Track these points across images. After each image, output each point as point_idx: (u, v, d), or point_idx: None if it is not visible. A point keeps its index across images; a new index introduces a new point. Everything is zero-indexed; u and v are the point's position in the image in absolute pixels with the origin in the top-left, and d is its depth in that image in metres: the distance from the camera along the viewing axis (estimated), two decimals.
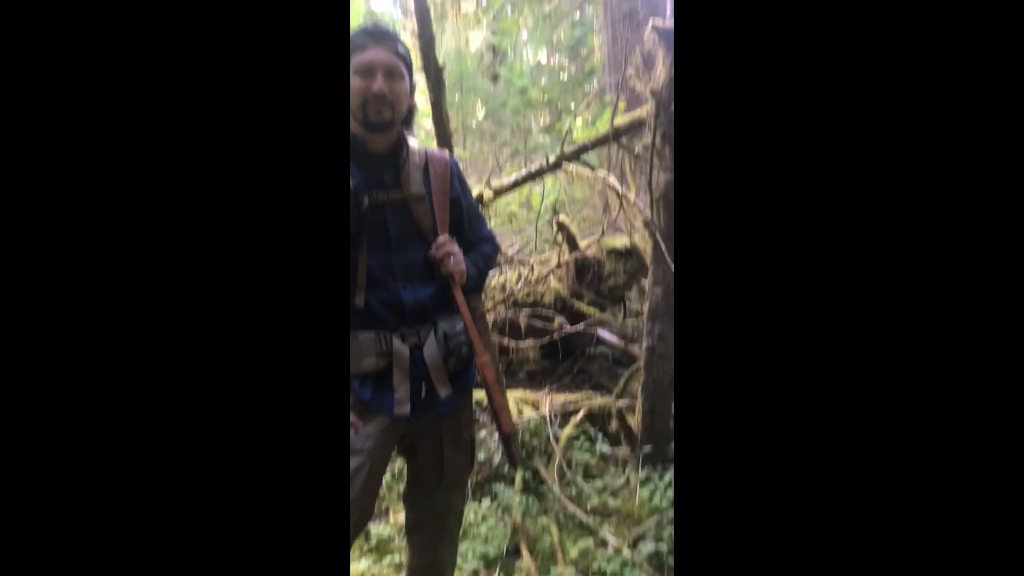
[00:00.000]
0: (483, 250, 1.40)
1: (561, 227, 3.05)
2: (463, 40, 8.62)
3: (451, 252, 1.23)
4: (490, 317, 2.98)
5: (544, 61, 8.97)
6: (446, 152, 1.33)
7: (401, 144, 1.25)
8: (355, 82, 1.16)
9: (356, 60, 1.16)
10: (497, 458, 2.50)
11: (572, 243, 3.07)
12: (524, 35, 8.45)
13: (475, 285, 1.36)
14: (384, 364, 1.19)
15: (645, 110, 2.54)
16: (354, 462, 1.15)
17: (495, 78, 8.50)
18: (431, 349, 1.22)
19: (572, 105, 7.62)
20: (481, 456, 2.42)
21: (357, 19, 6.22)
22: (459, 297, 1.25)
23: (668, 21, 2.33)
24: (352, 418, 1.17)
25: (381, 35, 1.18)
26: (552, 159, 2.78)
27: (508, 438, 1.26)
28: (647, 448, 2.37)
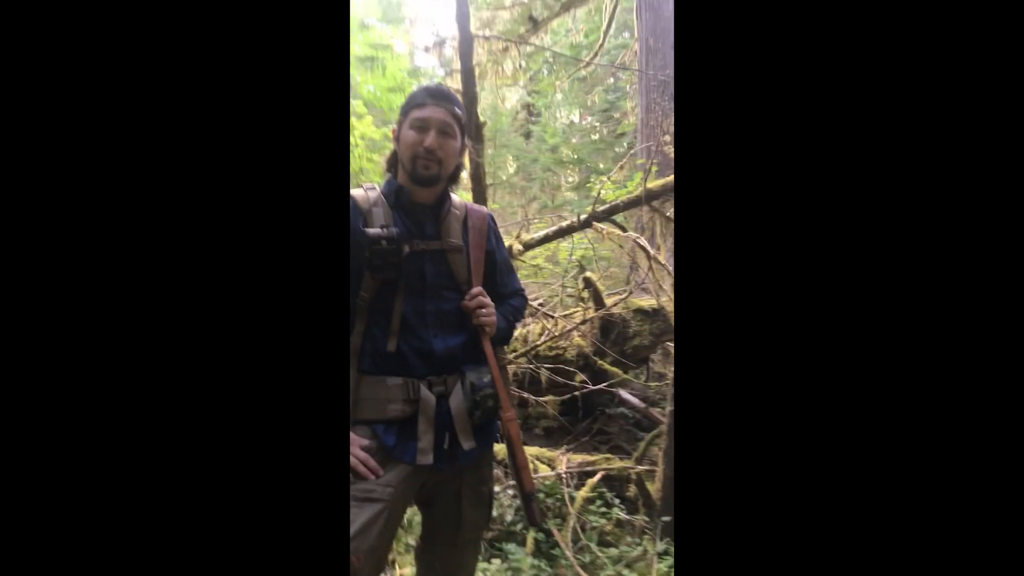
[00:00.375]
0: (513, 303, 1.42)
1: (588, 283, 3.06)
2: (500, 98, 8.98)
3: (484, 304, 1.25)
4: (510, 369, 2.96)
5: (576, 121, 9.26)
6: (484, 208, 1.38)
7: (445, 197, 1.30)
8: (409, 136, 1.22)
9: (414, 115, 1.22)
10: (509, 516, 2.42)
11: (598, 300, 3.08)
12: (559, 96, 8.77)
13: (504, 338, 1.38)
14: (410, 411, 1.19)
15: None
16: (372, 510, 1.13)
17: (528, 135, 8.78)
18: (457, 399, 1.22)
19: (601, 165, 7.80)
20: (493, 512, 2.35)
21: (400, 76, 6.54)
22: (488, 349, 1.26)
23: None
24: (372, 464, 1.16)
25: (441, 95, 1.24)
26: (583, 217, 2.82)
27: (529, 497, 1.24)
28: (667, 518, 2.28)
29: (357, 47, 6.37)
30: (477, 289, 1.26)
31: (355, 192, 1.28)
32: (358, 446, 1.17)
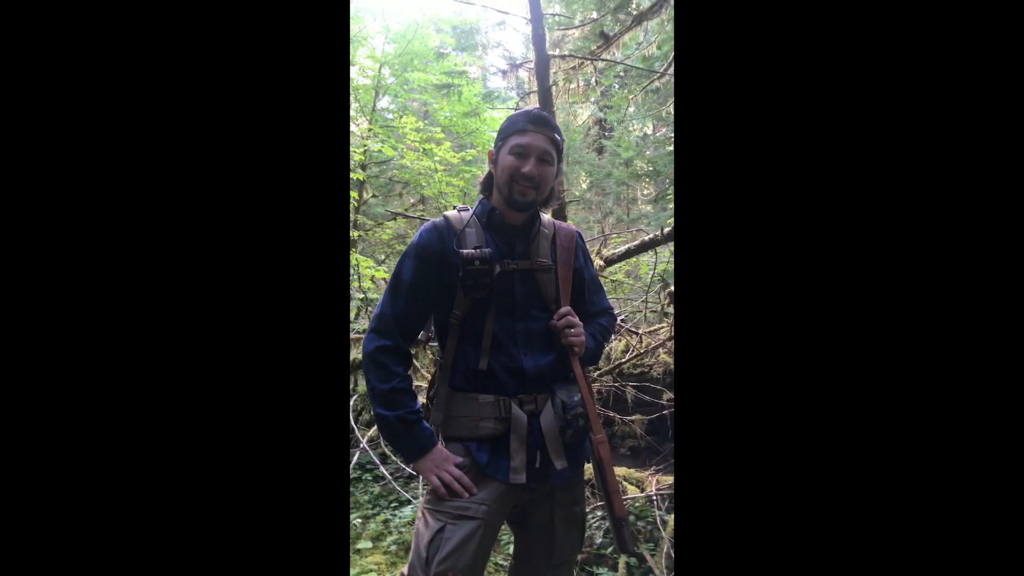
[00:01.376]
0: (602, 322, 1.41)
1: (673, 298, 2.97)
2: (571, 115, 9.01)
3: (572, 324, 1.25)
4: (595, 387, 2.92)
5: (651, 133, 9.11)
6: (572, 226, 1.38)
7: (535, 218, 1.31)
8: (508, 161, 1.24)
9: (514, 141, 1.24)
10: (599, 538, 2.37)
11: None
12: (632, 109, 8.68)
13: (592, 357, 1.36)
14: (501, 429, 1.20)
15: None
16: (468, 527, 1.14)
17: (600, 150, 8.74)
18: (548, 418, 1.22)
19: None
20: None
21: (475, 101, 6.73)
22: (577, 369, 1.26)
23: None
24: (466, 481, 1.18)
25: (542, 122, 1.25)
26: (667, 230, 2.76)
27: (620, 523, 1.21)
28: None
29: (433, 76, 6.63)
30: (565, 309, 1.25)
31: (449, 213, 1.32)
32: (452, 463, 1.19)
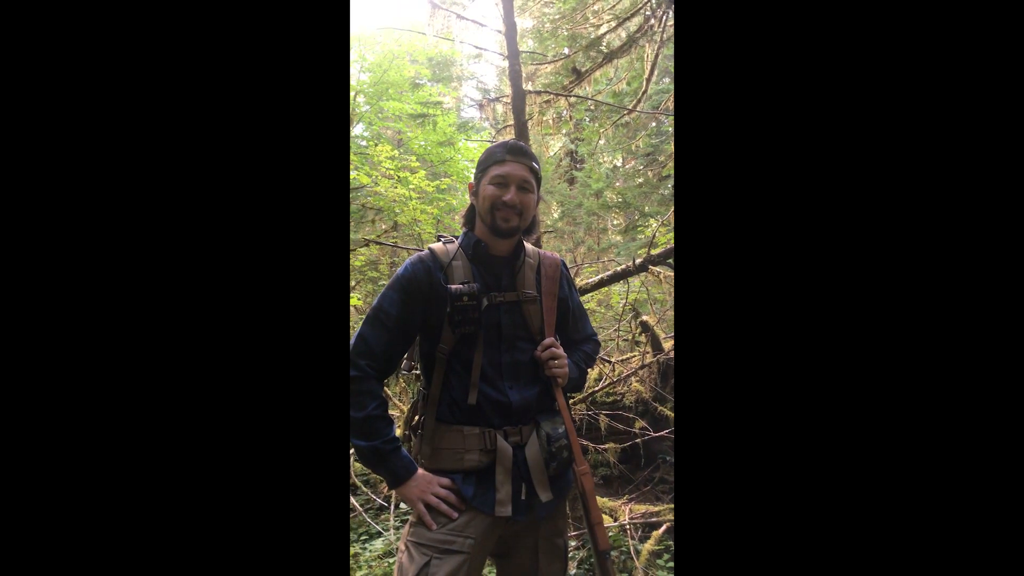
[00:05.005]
0: (586, 349, 1.42)
1: (645, 327, 3.03)
2: (543, 146, 9.20)
3: (556, 355, 1.26)
4: None
5: (620, 165, 9.35)
6: (556, 255, 1.41)
7: (520, 249, 1.33)
8: (489, 191, 1.26)
9: (494, 172, 1.26)
10: (573, 569, 2.35)
11: (656, 344, 3.04)
12: (602, 142, 8.91)
13: (576, 385, 1.38)
14: (486, 461, 1.20)
15: None
16: (454, 562, 1.13)
17: (571, 181, 8.92)
18: (533, 450, 1.23)
19: (646, 208, 7.80)
20: None
21: (450, 131, 6.83)
22: (561, 400, 1.27)
23: None
24: (453, 500, 1.18)
25: (520, 152, 1.28)
26: (638, 261, 2.83)
27: (604, 555, 1.21)
28: None
29: (408, 105, 6.71)
30: (549, 340, 1.27)
31: (435, 246, 1.32)
32: (436, 484, 1.18)
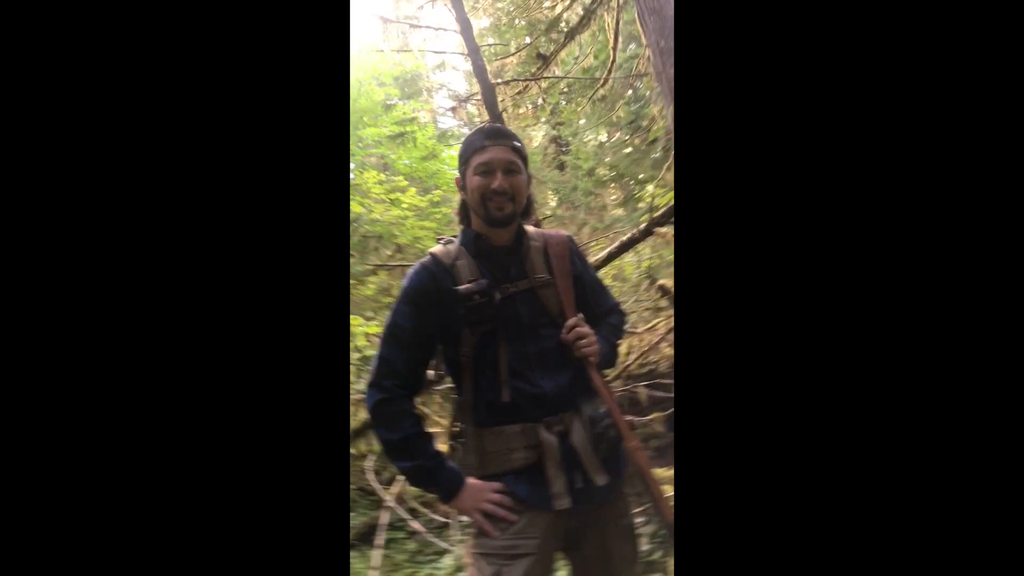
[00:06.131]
0: (611, 321, 1.37)
1: (664, 291, 2.99)
2: (526, 138, 9.17)
3: (583, 334, 1.21)
4: None
5: (606, 140, 9.28)
6: (562, 233, 1.34)
7: (522, 234, 1.27)
8: (475, 181, 1.21)
9: (476, 161, 1.21)
10: (645, 546, 2.32)
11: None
12: (583, 121, 8.86)
13: (608, 361, 1.32)
14: (534, 457, 1.16)
15: None
16: (523, 566, 1.10)
17: (561, 166, 8.88)
18: (579, 436, 1.17)
19: (641, 175, 7.73)
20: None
21: (431, 143, 6.83)
22: (596, 379, 1.21)
23: None
24: (508, 503, 1.14)
25: (498, 134, 1.23)
26: (643, 227, 2.79)
27: (672, 529, 1.18)
28: None
29: (385, 128, 6.72)
30: (572, 320, 1.22)
31: (436, 249, 1.27)
32: (489, 491, 1.15)
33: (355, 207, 5.06)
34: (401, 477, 2.93)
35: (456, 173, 1.30)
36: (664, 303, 3.08)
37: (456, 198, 1.34)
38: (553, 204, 8.76)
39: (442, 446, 1.23)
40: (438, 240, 1.32)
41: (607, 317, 1.37)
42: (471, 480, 1.17)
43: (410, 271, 1.26)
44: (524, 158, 1.25)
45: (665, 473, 2.66)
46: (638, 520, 2.38)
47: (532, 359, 1.20)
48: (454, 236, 1.32)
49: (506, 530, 1.13)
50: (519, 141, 1.25)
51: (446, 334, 1.20)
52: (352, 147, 6.67)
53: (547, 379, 1.19)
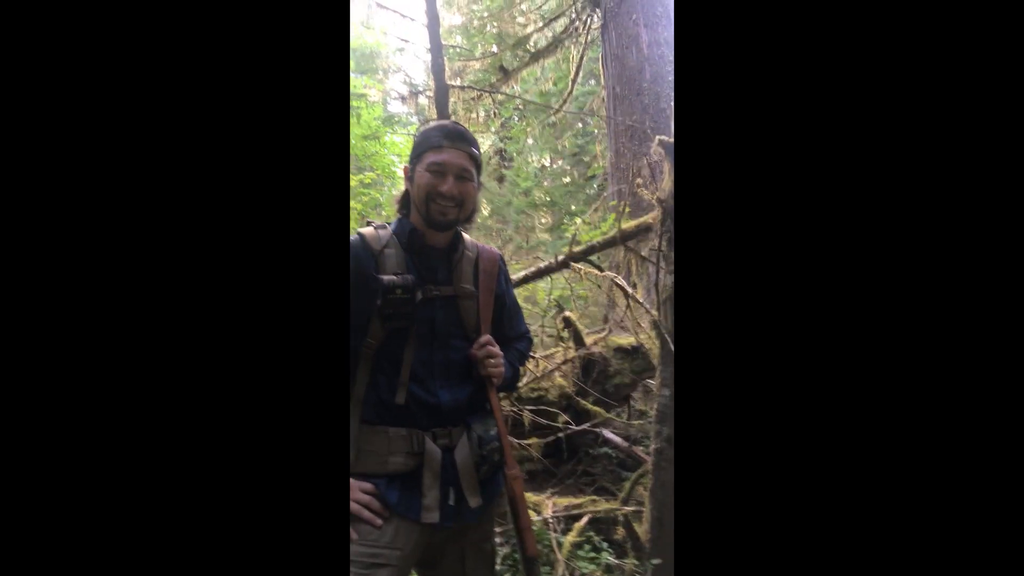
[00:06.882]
0: (519, 347, 1.36)
1: (568, 323, 3.08)
2: None
3: (493, 354, 1.18)
4: None
5: (548, 165, 9.49)
6: (495, 249, 1.32)
7: (458, 240, 1.24)
8: (424, 178, 1.15)
9: (430, 159, 1.15)
10: (498, 566, 2.35)
11: (578, 340, 3.09)
12: (530, 141, 9.01)
13: (509, 385, 1.32)
14: (412, 464, 1.13)
15: (652, 216, 2.67)
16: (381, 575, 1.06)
17: (500, 179, 8.96)
18: (464, 453, 1.15)
19: (573, 207, 7.97)
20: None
21: (375, 124, 6.65)
22: (494, 400, 1.20)
23: (672, 138, 2.51)
24: (376, 507, 1.09)
25: (458, 137, 1.17)
26: (560, 258, 2.87)
27: (531, 562, 1.16)
28: (656, 561, 2.24)
29: None
30: (486, 338, 1.19)
31: (365, 231, 1.20)
32: (358, 489, 1.10)
33: None
34: None
35: (401, 163, 1.27)
36: (566, 334, 3.16)
37: (399, 187, 1.30)
38: (486, 214, 8.80)
39: None
40: (368, 223, 1.24)
41: (516, 342, 1.36)
42: None
43: None
44: (479, 166, 1.21)
45: (533, 498, 2.73)
46: (497, 539, 2.42)
47: (436, 367, 1.16)
48: (387, 222, 1.25)
49: (367, 535, 1.08)
50: (477, 148, 1.21)
51: (354, 321, 1.13)
52: None
53: (445, 390, 1.16)
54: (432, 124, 1.22)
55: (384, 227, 1.22)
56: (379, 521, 1.09)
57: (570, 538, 2.42)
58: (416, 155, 1.19)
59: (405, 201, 1.24)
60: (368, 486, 1.11)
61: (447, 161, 1.15)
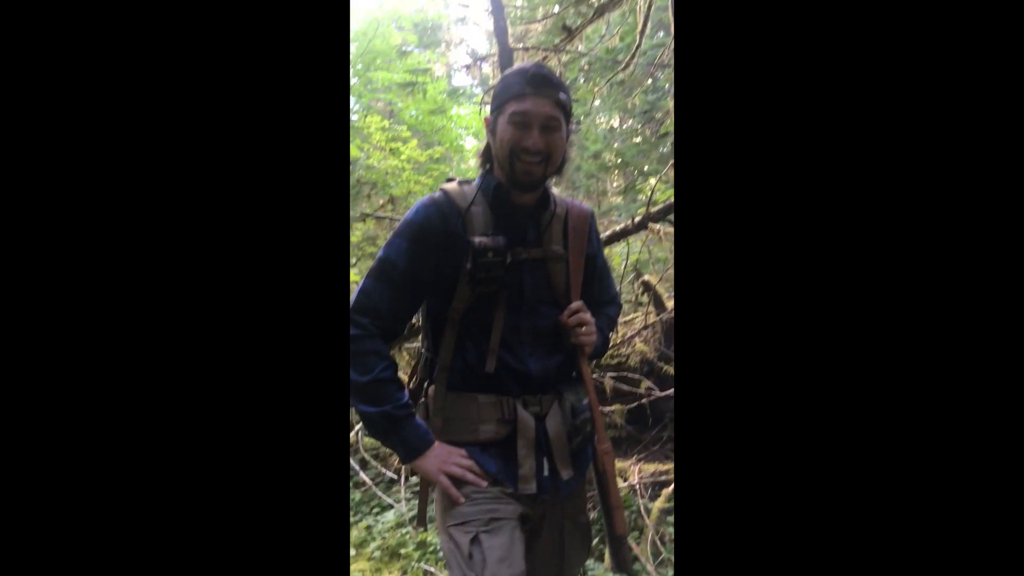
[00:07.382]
0: (609, 313, 1.29)
1: (647, 287, 2.99)
2: None
3: (584, 321, 1.11)
4: None
5: (617, 125, 9.16)
6: (586, 206, 1.22)
7: (547, 198, 1.14)
8: (507, 132, 1.05)
9: (512, 109, 1.04)
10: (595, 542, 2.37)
11: (659, 304, 2.99)
12: (597, 102, 8.71)
13: (599, 352, 1.26)
14: (504, 432, 1.08)
15: None
16: (504, 531, 1.01)
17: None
18: (555, 422, 1.10)
19: (646, 167, 7.67)
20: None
21: (440, 98, 6.67)
22: (585, 370, 1.14)
23: None
24: (478, 470, 1.06)
25: (543, 82, 1.04)
26: (637, 219, 2.76)
27: (620, 541, 1.12)
28: None
29: (396, 74, 6.53)
30: (577, 304, 1.11)
31: (449, 187, 1.12)
32: (458, 455, 1.06)
33: (354, 150, 4.94)
34: (359, 424, 2.93)
35: (467, 135, 1.22)
36: (645, 299, 3.07)
37: (468, 160, 1.26)
38: (554, 180, 8.68)
39: None
40: (451, 179, 1.16)
41: (607, 307, 1.28)
42: (439, 443, 1.07)
43: (417, 204, 1.11)
44: (568, 112, 1.08)
45: (618, 464, 2.71)
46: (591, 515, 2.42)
47: (524, 334, 1.10)
48: (470, 180, 1.16)
49: (473, 498, 1.04)
50: (566, 92, 1.07)
51: (440, 283, 1.08)
52: (360, 88, 6.49)
53: (535, 358, 1.10)
54: (514, 68, 1.10)
55: (468, 183, 1.13)
56: (483, 483, 1.05)
57: (658, 504, 2.38)
58: (497, 105, 1.09)
59: (487, 155, 1.14)
60: (465, 452, 1.07)
61: (531, 111, 1.03)
